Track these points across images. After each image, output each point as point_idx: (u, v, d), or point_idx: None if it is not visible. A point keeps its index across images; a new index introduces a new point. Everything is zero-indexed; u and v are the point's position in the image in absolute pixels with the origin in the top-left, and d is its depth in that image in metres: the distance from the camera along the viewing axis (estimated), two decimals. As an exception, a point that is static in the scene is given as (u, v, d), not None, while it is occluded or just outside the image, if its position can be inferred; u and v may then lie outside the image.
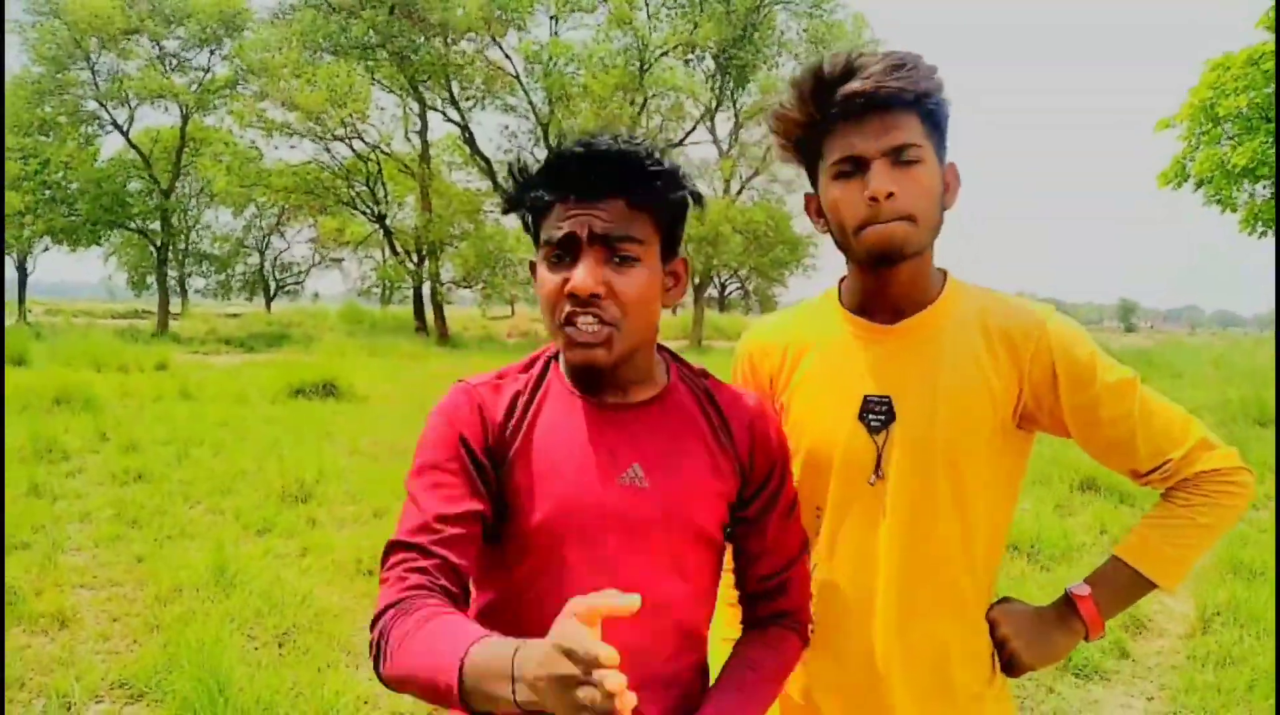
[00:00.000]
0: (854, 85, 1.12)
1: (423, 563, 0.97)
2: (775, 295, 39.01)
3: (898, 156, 1.13)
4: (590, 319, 1.00)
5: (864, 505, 1.23)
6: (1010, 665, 1.26)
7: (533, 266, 1.12)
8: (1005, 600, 1.29)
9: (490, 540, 1.06)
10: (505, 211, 1.11)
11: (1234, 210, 14.28)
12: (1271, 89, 12.91)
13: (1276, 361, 8.61)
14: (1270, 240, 14.43)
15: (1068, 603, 1.23)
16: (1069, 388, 1.18)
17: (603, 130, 1.03)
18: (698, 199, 1.09)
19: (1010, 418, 1.20)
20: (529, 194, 1.05)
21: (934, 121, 1.17)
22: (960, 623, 1.23)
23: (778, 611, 1.22)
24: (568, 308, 1.01)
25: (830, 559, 1.27)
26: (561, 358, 1.16)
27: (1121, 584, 1.22)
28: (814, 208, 1.27)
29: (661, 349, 1.18)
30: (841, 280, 1.34)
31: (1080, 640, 1.24)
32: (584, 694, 0.67)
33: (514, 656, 0.75)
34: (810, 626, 1.25)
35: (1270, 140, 13.01)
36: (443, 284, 26.84)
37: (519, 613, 1.06)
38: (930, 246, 1.21)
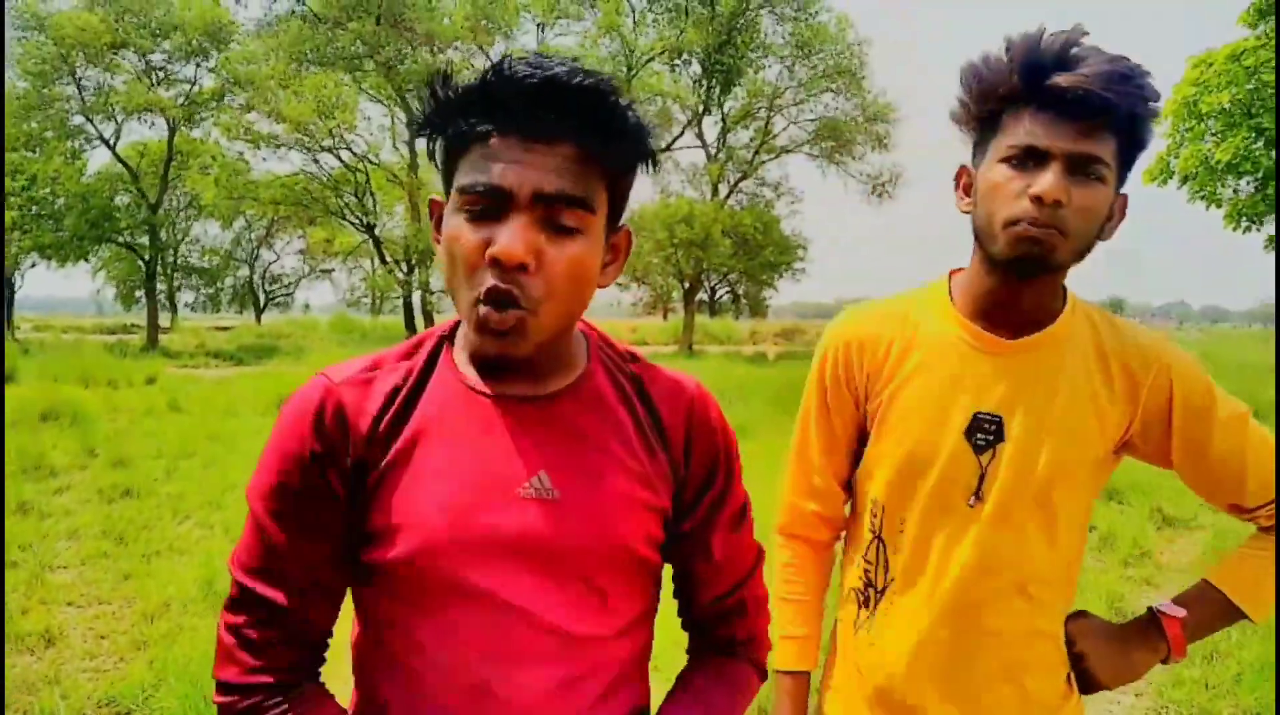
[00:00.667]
0: (1066, 79, 1.03)
1: (271, 635, 0.88)
2: (765, 298, 39.05)
3: (1081, 167, 1.04)
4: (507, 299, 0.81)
5: (956, 525, 1.16)
6: (1085, 682, 1.22)
7: (434, 208, 0.90)
8: (1082, 614, 1.25)
9: (361, 563, 0.88)
10: (415, 135, 0.88)
11: (1219, 206, 14.42)
12: (1253, 85, 13.02)
13: (1277, 358, 8.66)
14: (1255, 235, 14.56)
15: (1152, 621, 1.20)
16: (1184, 421, 1.13)
17: (554, 57, 0.81)
18: (654, 160, 0.89)
19: (1114, 446, 1.17)
20: (455, 122, 0.82)
21: (1130, 147, 1.08)
22: (1039, 639, 1.19)
23: (732, 639, 1.05)
24: (490, 279, 0.80)
25: (913, 575, 1.20)
26: (460, 337, 0.95)
27: (1211, 610, 1.20)
28: (965, 183, 1.18)
29: (584, 327, 0.99)
30: (951, 274, 1.25)
31: (1159, 662, 1.20)
32: None
33: None
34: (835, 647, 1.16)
35: (1253, 136, 13.13)
36: (433, 293, 26.79)
37: (400, 657, 0.91)
38: (1069, 267, 1.12)
